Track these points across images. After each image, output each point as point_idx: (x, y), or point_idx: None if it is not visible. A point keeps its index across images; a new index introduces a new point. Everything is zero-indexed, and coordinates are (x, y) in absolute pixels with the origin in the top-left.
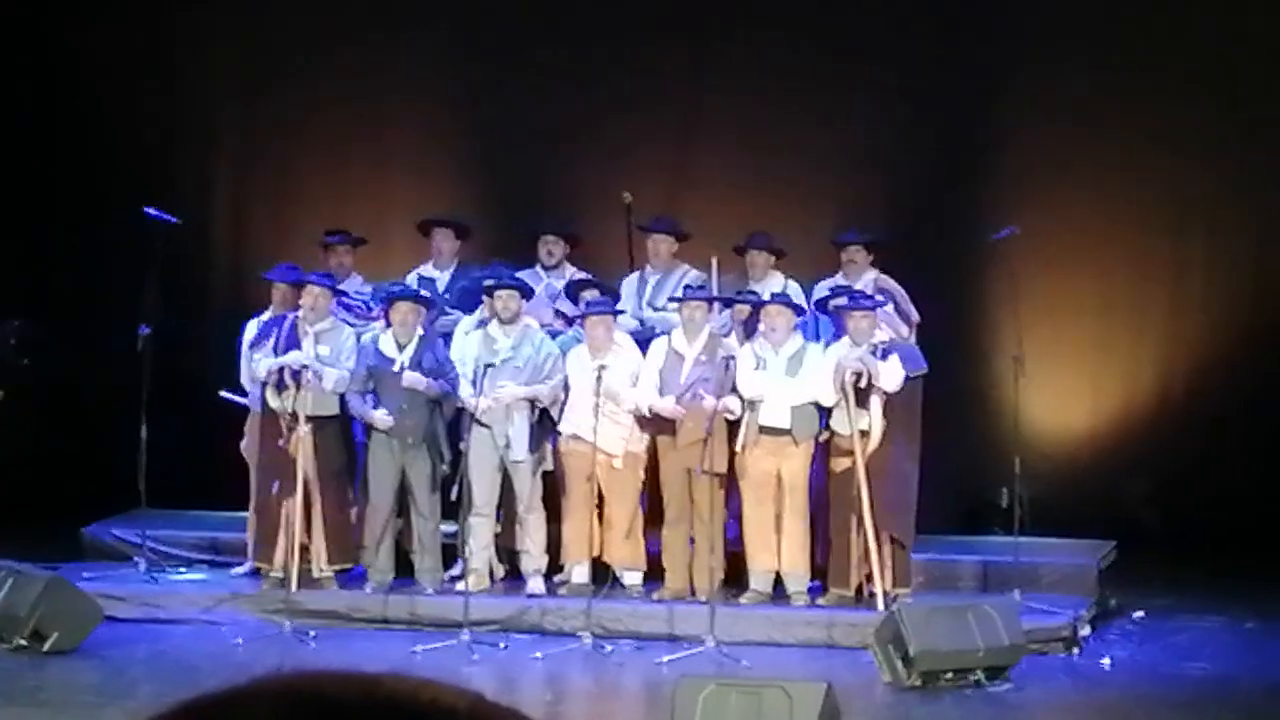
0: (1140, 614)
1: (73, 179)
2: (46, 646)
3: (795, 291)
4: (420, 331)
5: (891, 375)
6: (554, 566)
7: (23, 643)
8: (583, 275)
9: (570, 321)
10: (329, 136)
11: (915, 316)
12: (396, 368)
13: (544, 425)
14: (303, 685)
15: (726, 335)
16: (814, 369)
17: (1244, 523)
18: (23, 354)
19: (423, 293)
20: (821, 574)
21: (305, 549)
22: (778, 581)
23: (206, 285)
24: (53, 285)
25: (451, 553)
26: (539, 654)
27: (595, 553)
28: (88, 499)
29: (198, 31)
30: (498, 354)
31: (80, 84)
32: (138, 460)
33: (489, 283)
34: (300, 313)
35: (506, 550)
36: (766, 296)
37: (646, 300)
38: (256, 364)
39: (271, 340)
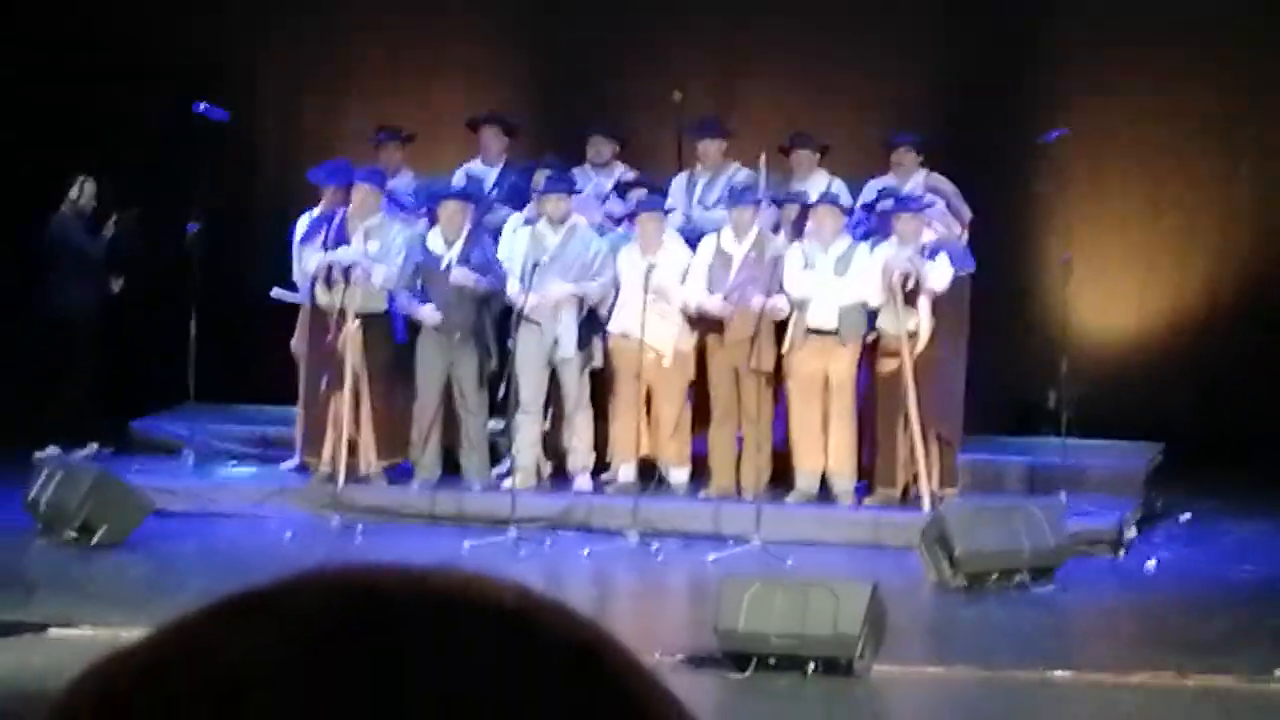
0: (1186, 517)
1: (122, 76)
2: (95, 539)
3: (842, 190)
4: (468, 228)
5: (940, 276)
6: (601, 464)
7: (72, 535)
8: (632, 175)
9: (618, 221)
10: (380, 34)
11: (968, 214)
12: (444, 264)
13: (592, 323)
14: (351, 578)
15: (775, 234)
16: (862, 269)
17: None
18: (142, 242)
19: (469, 191)
20: (868, 474)
21: (353, 444)
22: (824, 481)
23: (256, 182)
24: (102, 182)
25: (498, 450)
26: (585, 551)
27: (642, 451)
28: (137, 392)
29: None
30: (546, 251)
31: None
32: (187, 356)
33: (538, 187)
34: (350, 209)
35: (553, 448)
36: (813, 195)
37: (696, 199)
38: (306, 260)
39: (321, 236)
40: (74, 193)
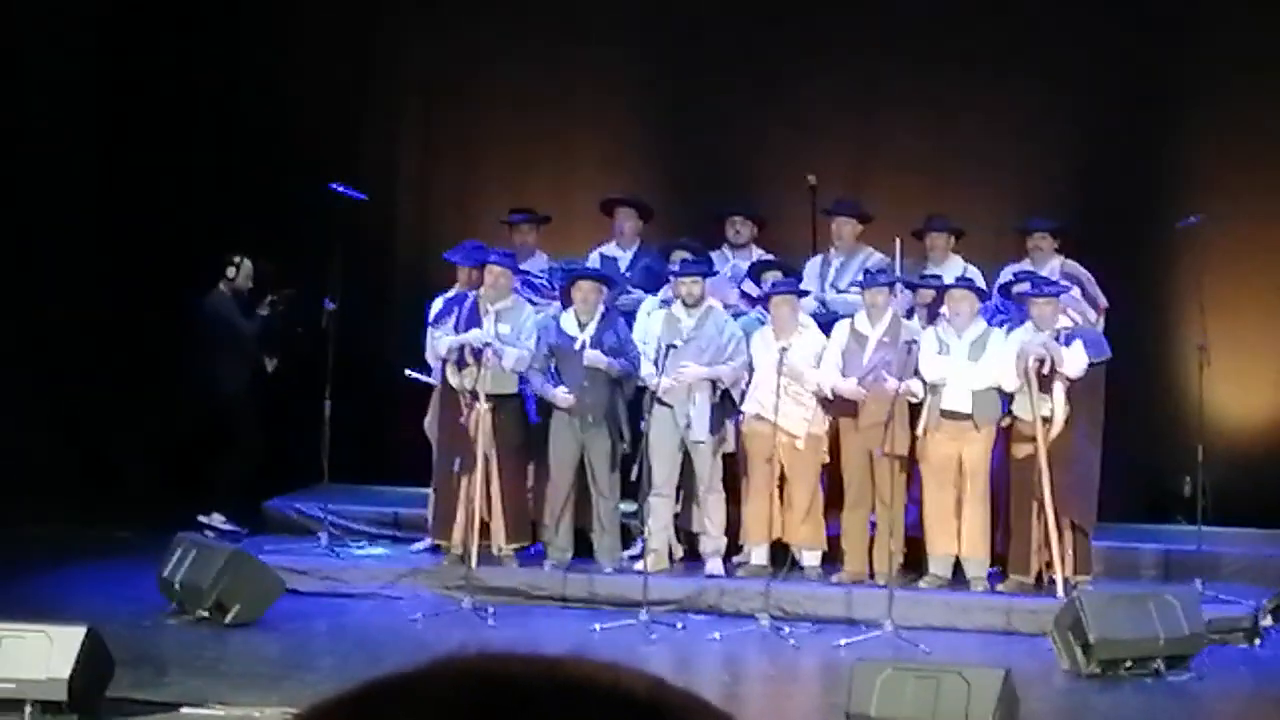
0: None
1: (260, 157)
2: (228, 618)
3: (976, 275)
4: (602, 310)
5: (1075, 361)
6: (733, 547)
7: (205, 614)
8: (767, 256)
9: (754, 302)
10: (513, 115)
11: (1103, 301)
12: (578, 346)
13: (725, 406)
14: (486, 666)
15: (909, 318)
16: (997, 354)
17: None
18: (296, 323)
19: (604, 272)
20: (1001, 560)
21: (485, 526)
22: (957, 567)
23: (391, 262)
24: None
25: (630, 532)
26: (716, 635)
27: (775, 534)
28: (271, 473)
29: (386, 12)
30: (681, 334)
31: (271, 62)
32: (321, 435)
33: (673, 269)
34: (482, 290)
35: (685, 531)
36: (947, 279)
37: (830, 282)
38: (438, 341)
39: (453, 318)
40: (231, 271)
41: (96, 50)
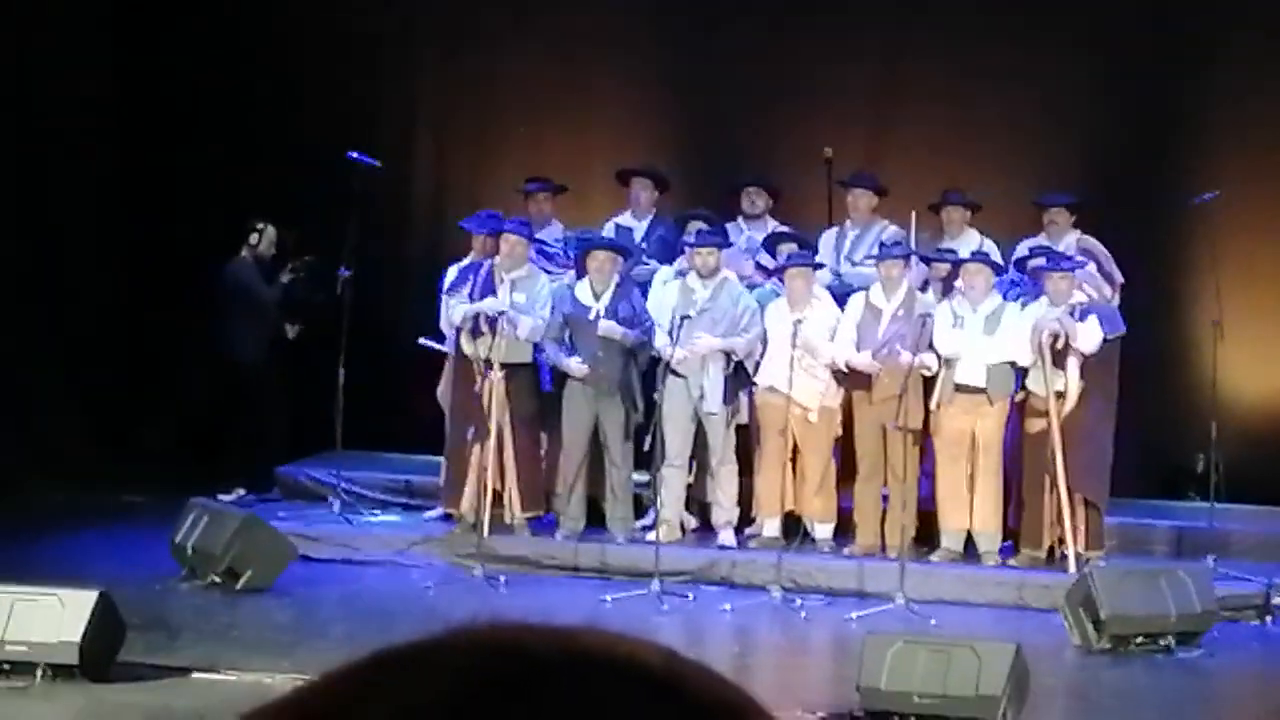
0: None
1: (275, 124)
2: (240, 584)
3: (992, 249)
4: (617, 280)
5: (1089, 337)
6: (745, 519)
7: (217, 580)
8: (782, 228)
9: (769, 274)
10: (530, 84)
11: (1119, 277)
12: (592, 316)
13: (739, 378)
14: (500, 636)
15: (924, 291)
16: (1011, 328)
17: None
18: (316, 290)
19: (619, 242)
20: (1013, 534)
21: (498, 495)
22: (969, 541)
23: (406, 230)
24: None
25: (643, 503)
26: (728, 606)
27: (787, 506)
28: (286, 439)
29: None
30: (695, 305)
31: (285, 31)
32: (334, 402)
33: (688, 240)
34: (497, 259)
35: (698, 502)
36: (963, 254)
37: (845, 255)
38: (453, 309)
39: (468, 286)
40: (253, 238)
41: (113, 22)
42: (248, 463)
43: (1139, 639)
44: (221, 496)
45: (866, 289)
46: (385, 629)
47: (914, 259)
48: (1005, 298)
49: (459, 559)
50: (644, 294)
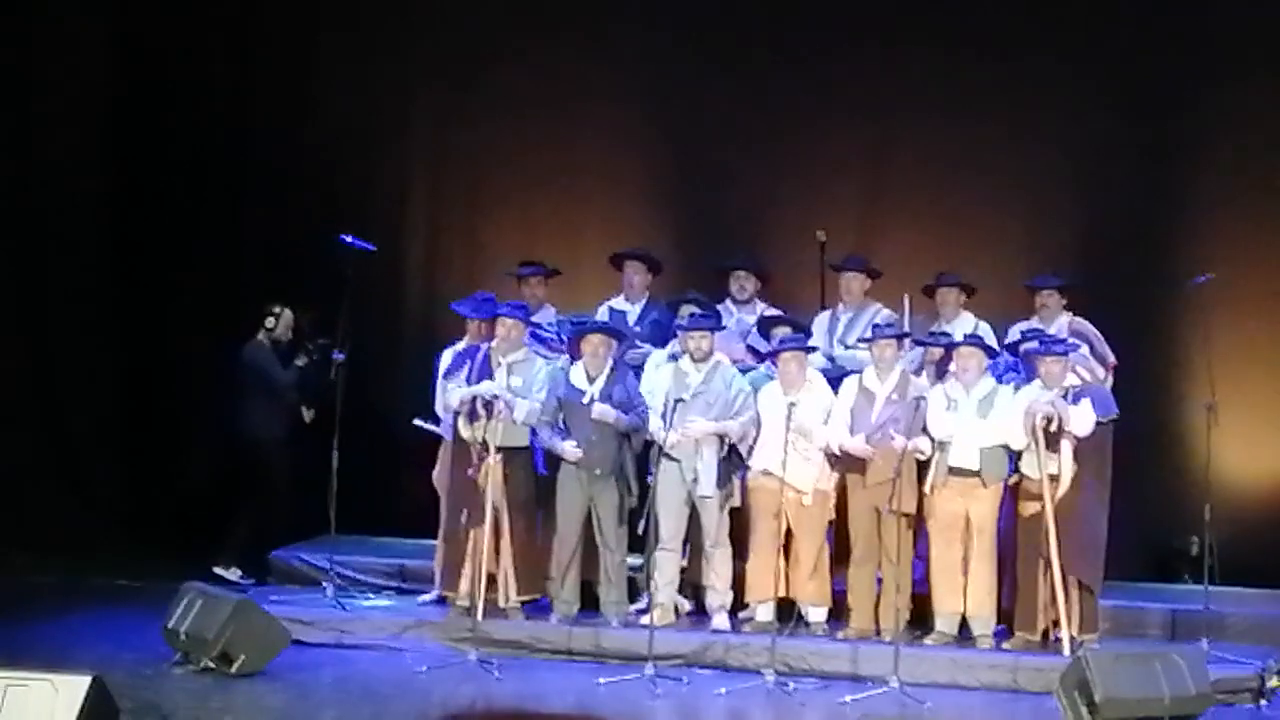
0: None
1: (268, 207)
2: (234, 668)
3: (986, 332)
4: (611, 364)
5: (1082, 420)
6: (739, 603)
7: (210, 664)
8: (774, 312)
9: (762, 357)
10: (522, 169)
11: (1111, 359)
12: (586, 400)
13: (732, 461)
14: None
15: (918, 375)
16: (1005, 411)
17: None
18: (329, 373)
19: (613, 325)
20: (1007, 617)
21: (492, 579)
22: (963, 624)
23: (400, 313)
24: (247, 310)
25: (637, 586)
26: (722, 690)
27: (781, 590)
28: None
29: (395, 63)
30: (688, 388)
31: (276, 113)
32: (328, 486)
33: (681, 323)
34: (494, 343)
35: (692, 585)
36: (957, 336)
37: (838, 338)
38: (449, 393)
39: (465, 370)
40: (270, 322)
41: (113, 117)
42: (250, 545)
43: None
44: (218, 570)
45: (860, 372)
46: (378, 713)
47: (908, 341)
48: (1000, 380)
49: (453, 643)
50: (638, 377)
